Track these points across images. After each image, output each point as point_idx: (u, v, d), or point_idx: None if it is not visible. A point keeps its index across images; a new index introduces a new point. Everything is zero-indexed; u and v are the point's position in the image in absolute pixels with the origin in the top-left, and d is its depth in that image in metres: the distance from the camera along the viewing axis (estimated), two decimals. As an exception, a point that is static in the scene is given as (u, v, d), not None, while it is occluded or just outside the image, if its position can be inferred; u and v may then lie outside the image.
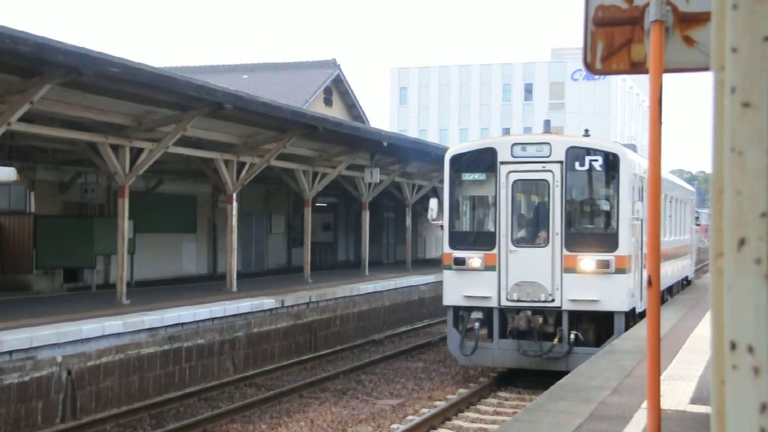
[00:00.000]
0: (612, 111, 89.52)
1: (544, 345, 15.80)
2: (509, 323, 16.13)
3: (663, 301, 20.27)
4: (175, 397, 15.95)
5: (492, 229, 16.24)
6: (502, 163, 16.10)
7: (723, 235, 1.54)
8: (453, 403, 15.01)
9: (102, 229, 23.05)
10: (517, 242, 16.05)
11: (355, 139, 26.02)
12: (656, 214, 5.16)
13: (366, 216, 30.77)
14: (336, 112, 42.57)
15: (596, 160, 15.67)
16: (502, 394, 16.28)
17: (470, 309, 16.36)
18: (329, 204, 39.01)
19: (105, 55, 15.69)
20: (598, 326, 15.88)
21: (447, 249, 16.46)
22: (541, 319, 15.75)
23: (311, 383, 17.38)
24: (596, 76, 74.47)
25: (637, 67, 5.42)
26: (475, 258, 16.10)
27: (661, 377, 5.79)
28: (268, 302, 20.45)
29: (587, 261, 15.46)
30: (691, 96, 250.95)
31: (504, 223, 16.04)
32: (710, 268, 1.62)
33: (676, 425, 7.75)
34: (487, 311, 16.27)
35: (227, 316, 18.80)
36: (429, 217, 17.17)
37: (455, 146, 17.76)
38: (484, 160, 16.42)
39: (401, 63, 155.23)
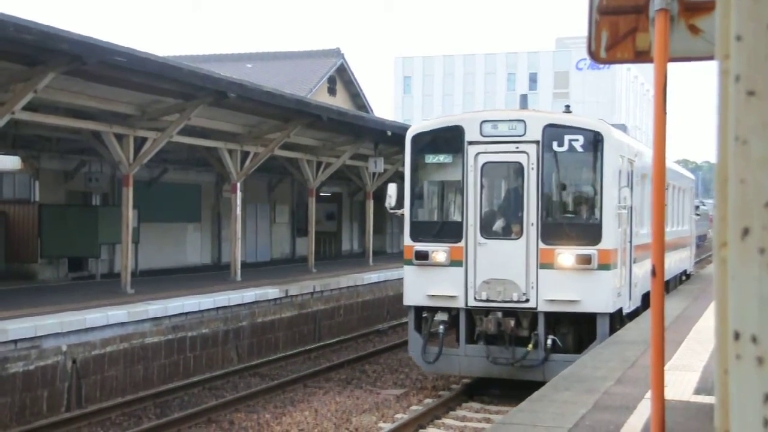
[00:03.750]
0: (616, 100, 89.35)
1: (517, 351, 13.96)
2: (478, 326, 14.24)
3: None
4: (180, 386, 15.99)
5: (458, 219, 14.37)
6: (470, 143, 14.19)
7: (727, 225, 1.53)
8: (456, 392, 15.02)
9: (106, 219, 23.07)
10: (487, 234, 14.19)
11: (359, 129, 26.00)
12: (660, 203, 5.14)
13: (370, 206, 30.77)
14: (340, 101, 42.52)
15: (577, 140, 13.78)
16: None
17: (434, 310, 14.44)
18: (333, 194, 39.01)
19: (109, 43, 15.68)
20: (578, 330, 14.04)
21: (408, 241, 14.56)
22: (513, 322, 13.88)
23: (315, 373, 17.41)
24: (601, 66, 74.19)
25: (641, 56, 5.40)
26: (439, 252, 14.22)
27: (665, 367, 5.79)
28: (272, 292, 20.48)
29: (566, 255, 13.60)
30: (696, 85, 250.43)
31: (472, 212, 14.19)
32: (714, 258, 1.61)
33: (679, 415, 7.75)
34: (454, 312, 14.43)
35: (231, 306, 18.83)
36: (387, 205, 14.88)
37: (417, 124, 15.74)
38: (449, 139, 14.49)
39: (405, 52, 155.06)
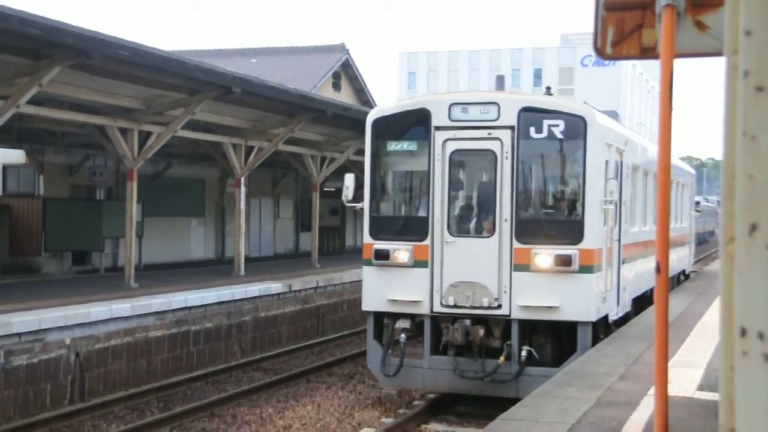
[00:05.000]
0: (622, 97, 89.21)
1: (488, 364, 12.45)
2: (444, 335, 12.77)
3: (650, 303, 18.55)
4: (183, 380, 16.01)
5: (424, 214, 12.82)
6: (438, 128, 12.70)
7: (734, 221, 1.53)
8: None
9: (110, 213, 23.10)
10: (456, 231, 12.74)
11: (363, 124, 25.92)
12: (665, 199, 5.13)
13: (374, 201, 30.69)
14: (344, 96, 42.50)
15: (557, 125, 12.25)
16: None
17: (396, 316, 12.94)
18: (337, 189, 38.98)
19: (114, 38, 15.68)
20: (557, 340, 12.61)
21: (367, 239, 13.03)
22: (482, 331, 12.38)
23: (318, 367, 17.42)
24: (606, 62, 74.15)
25: (647, 53, 5.39)
26: (401, 251, 12.72)
27: (669, 364, 5.78)
28: (275, 286, 20.49)
29: (544, 256, 12.13)
30: (701, 82, 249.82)
31: (438, 207, 12.67)
32: (720, 254, 1.60)
33: (683, 412, 7.74)
34: (418, 319, 13.02)
35: (235, 300, 18.84)
36: (343, 197, 13.28)
37: (379, 106, 14.00)
38: (414, 124, 13.04)
39: (410, 48, 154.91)
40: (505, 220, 12.44)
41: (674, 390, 8.28)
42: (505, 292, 12.35)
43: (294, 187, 36.07)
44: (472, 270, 12.45)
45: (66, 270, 24.08)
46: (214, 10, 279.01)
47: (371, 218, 13.10)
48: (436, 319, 12.78)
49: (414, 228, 12.86)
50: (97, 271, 23.88)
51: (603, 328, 13.28)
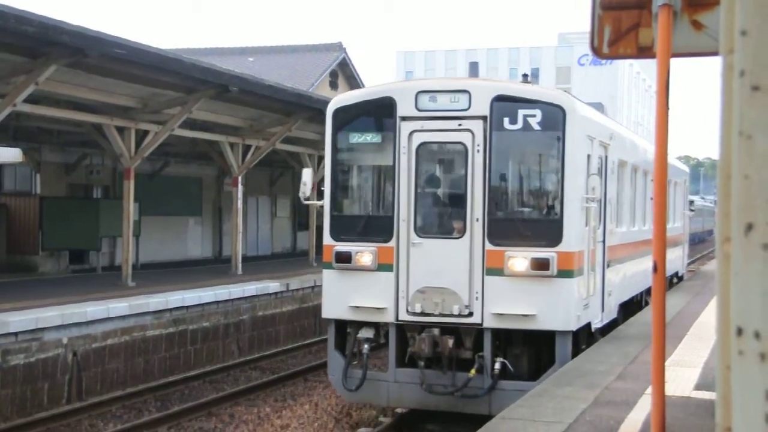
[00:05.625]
0: (619, 96, 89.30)
1: (458, 377, 11.41)
2: (410, 346, 11.70)
3: (639, 308, 16.93)
4: (180, 379, 16.01)
5: (389, 213, 11.76)
6: (404, 118, 11.63)
7: (730, 220, 1.53)
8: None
9: (107, 211, 23.09)
10: (423, 231, 11.65)
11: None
12: (662, 198, 5.14)
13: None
14: (342, 95, 42.43)
15: (533, 116, 11.21)
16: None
17: (359, 325, 11.94)
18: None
19: (110, 36, 15.67)
20: (534, 351, 11.56)
21: (327, 240, 11.95)
22: (452, 341, 11.33)
23: (316, 367, 17.42)
24: (603, 61, 74.28)
25: (644, 52, 5.39)
26: (364, 253, 11.64)
27: (666, 363, 5.79)
28: (273, 286, 20.49)
29: (518, 259, 11.10)
30: (698, 81, 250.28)
31: (404, 205, 11.60)
32: (717, 254, 1.61)
33: (680, 411, 7.75)
34: (383, 328, 11.95)
35: (232, 300, 18.84)
36: (301, 194, 12.22)
37: (341, 95, 12.82)
38: (378, 114, 12.01)
39: (407, 47, 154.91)
40: (477, 220, 11.37)
41: (671, 389, 8.30)
42: (476, 298, 11.29)
43: (291, 186, 36.04)
44: (440, 274, 11.40)
45: (63, 269, 24.06)
46: (212, 9, 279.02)
47: (332, 217, 12.03)
48: (402, 328, 11.71)
49: (378, 228, 11.79)
50: (94, 270, 23.86)
51: (585, 338, 12.32)
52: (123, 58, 15.94)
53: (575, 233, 11.34)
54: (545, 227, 11.49)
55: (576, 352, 11.51)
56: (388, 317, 11.63)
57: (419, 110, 11.61)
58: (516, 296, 11.12)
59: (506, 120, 11.31)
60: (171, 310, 16.86)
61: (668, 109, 5.03)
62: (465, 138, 11.47)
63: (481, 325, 11.30)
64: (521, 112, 11.27)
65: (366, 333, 11.85)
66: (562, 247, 11.13)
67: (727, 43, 1.56)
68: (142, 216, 24.44)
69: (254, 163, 24.00)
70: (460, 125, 11.47)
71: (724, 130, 1.57)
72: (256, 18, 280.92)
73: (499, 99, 11.37)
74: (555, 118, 11.27)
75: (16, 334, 13.20)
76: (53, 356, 13.72)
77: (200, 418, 13.67)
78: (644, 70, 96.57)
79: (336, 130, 12.17)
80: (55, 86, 16.52)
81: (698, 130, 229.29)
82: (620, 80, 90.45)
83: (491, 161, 11.39)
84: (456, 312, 11.32)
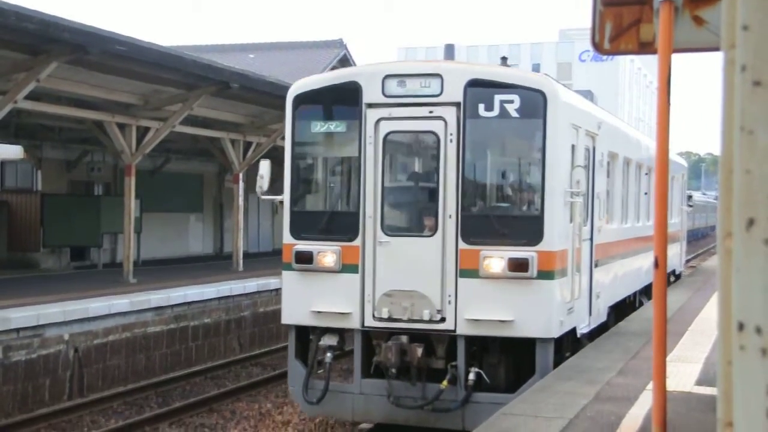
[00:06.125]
0: (620, 92, 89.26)
1: (429, 389, 10.40)
2: (377, 355, 10.66)
3: (632, 309, 16.07)
4: (182, 375, 16.02)
5: (353, 209, 10.75)
6: (370, 105, 10.62)
7: (732, 215, 1.53)
8: None
9: (109, 208, 23.10)
10: (391, 229, 10.67)
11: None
12: (663, 194, 5.14)
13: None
14: (343, 91, 42.41)
15: (510, 101, 10.20)
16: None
17: (321, 331, 10.93)
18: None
19: (111, 33, 15.67)
20: (513, 360, 10.55)
21: (287, 238, 10.99)
22: (421, 350, 10.29)
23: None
24: (604, 57, 74.21)
25: (645, 48, 5.39)
26: (327, 253, 10.67)
27: (667, 359, 5.79)
28: (274, 282, 20.47)
29: (495, 260, 10.11)
30: (699, 77, 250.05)
31: (371, 200, 10.60)
32: (718, 249, 1.61)
33: (681, 406, 7.76)
34: (348, 335, 11.09)
35: (234, 296, 18.85)
36: (258, 188, 11.24)
37: (302, 80, 11.61)
38: (343, 101, 11.00)
39: (408, 43, 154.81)
40: (450, 216, 10.37)
41: (673, 385, 8.30)
42: (449, 302, 10.29)
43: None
44: (410, 276, 10.40)
45: (64, 266, 24.07)
46: (213, 6, 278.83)
47: (292, 214, 11.04)
48: (368, 335, 10.72)
49: (342, 225, 10.79)
50: (96, 267, 23.88)
51: (569, 344, 11.32)
52: (124, 55, 15.93)
53: (557, 231, 10.33)
54: (524, 224, 10.46)
55: (559, 360, 10.55)
56: (353, 323, 10.64)
57: (387, 96, 10.60)
58: (492, 300, 10.14)
59: (481, 106, 10.30)
60: (172, 306, 16.87)
61: (669, 104, 5.03)
62: (437, 126, 10.47)
63: (454, 331, 10.28)
64: (498, 98, 10.24)
65: (329, 340, 10.88)
66: (542, 245, 10.13)
67: (728, 38, 1.56)
68: (143, 213, 24.44)
69: (255, 159, 23.99)
70: (431, 112, 10.45)
71: (726, 126, 1.57)
72: (256, 15, 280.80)
73: (474, 84, 10.32)
74: (535, 104, 10.25)
75: (17, 330, 13.22)
76: (55, 352, 13.74)
77: (201, 414, 13.68)
78: (645, 65, 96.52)
79: (296, 118, 11.16)
80: (56, 83, 16.52)
81: (699, 125, 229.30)
82: (621, 76, 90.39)
83: (465, 152, 10.39)
84: (426, 317, 10.32)
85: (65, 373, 13.93)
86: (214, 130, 22.48)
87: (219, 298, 18.36)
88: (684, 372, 9.54)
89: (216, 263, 25.85)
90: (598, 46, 5.51)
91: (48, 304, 14.57)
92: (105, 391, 14.43)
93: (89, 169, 24.70)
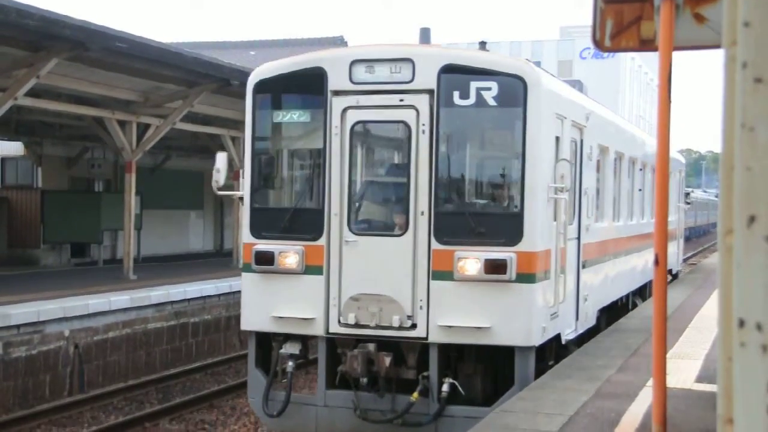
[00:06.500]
0: (620, 90, 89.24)
1: (398, 401, 9.59)
2: (342, 363, 9.74)
3: (626, 311, 15.36)
4: (182, 371, 16.04)
5: (318, 206, 9.86)
6: (336, 93, 9.78)
7: (733, 212, 1.53)
8: None
9: (109, 205, 23.12)
10: (358, 227, 9.80)
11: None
12: (664, 192, 5.14)
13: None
14: (343, 88, 42.45)
15: (488, 89, 9.40)
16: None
17: (284, 338, 10.12)
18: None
19: (112, 30, 15.67)
20: (490, 370, 9.73)
21: (247, 237, 10.24)
22: (389, 359, 9.48)
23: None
24: (605, 55, 74.23)
25: (646, 45, 5.39)
26: (289, 253, 9.82)
27: (667, 356, 5.80)
28: (274, 278, 20.51)
29: (470, 261, 9.30)
30: (700, 74, 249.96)
31: (337, 196, 9.73)
32: (719, 246, 1.61)
33: (681, 403, 7.76)
34: (311, 342, 10.31)
35: (233, 292, 18.84)
36: (214, 183, 10.48)
37: (264, 66, 10.56)
38: (307, 88, 10.18)
39: (408, 41, 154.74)
40: (422, 214, 9.52)
41: (672, 381, 8.30)
42: (421, 307, 9.45)
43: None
44: (378, 278, 9.56)
45: (65, 262, 24.08)
46: (214, 3, 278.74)
47: (251, 211, 10.26)
48: (333, 343, 9.86)
49: (305, 223, 9.90)
50: (96, 264, 23.89)
51: (553, 352, 10.51)
52: (124, 52, 15.93)
53: (539, 229, 9.51)
54: (502, 222, 9.63)
55: (542, 369, 9.73)
56: (317, 329, 9.78)
57: (354, 83, 9.73)
58: (468, 305, 9.33)
59: (456, 94, 9.48)
60: (172, 303, 16.88)
61: (670, 102, 5.03)
62: (408, 116, 9.61)
63: (426, 339, 9.44)
64: (474, 85, 9.42)
65: (291, 348, 10.06)
66: (522, 245, 9.29)
67: (729, 35, 1.56)
68: (143, 209, 24.46)
69: (255, 156, 24.01)
70: (401, 101, 9.59)
71: (727, 123, 1.57)
72: (257, 12, 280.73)
73: (449, 69, 9.50)
74: (514, 91, 9.43)
75: (18, 326, 13.23)
76: (55, 348, 13.75)
77: (202, 410, 13.69)
78: (646, 63, 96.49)
79: (257, 107, 10.28)
80: (56, 80, 16.52)
81: (700, 123, 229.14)
82: (622, 74, 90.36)
83: (439, 143, 9.55)
84: (396, 324, 9.46)
85: (65, 369, 13.95)
86: (215, 126, 22.48)
87: (219, 295, 18.37)
88: (684, 369, 9.55)
89: (216, 260, 25.86)
90: (599, 44, 5.51)
91: (48, 301, 14.59)
92: (105, 387, 14.45)
93: (89, 165, 24.71)
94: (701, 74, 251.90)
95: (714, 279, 19.34)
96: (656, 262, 5.20)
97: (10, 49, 15.14)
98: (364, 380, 9.54)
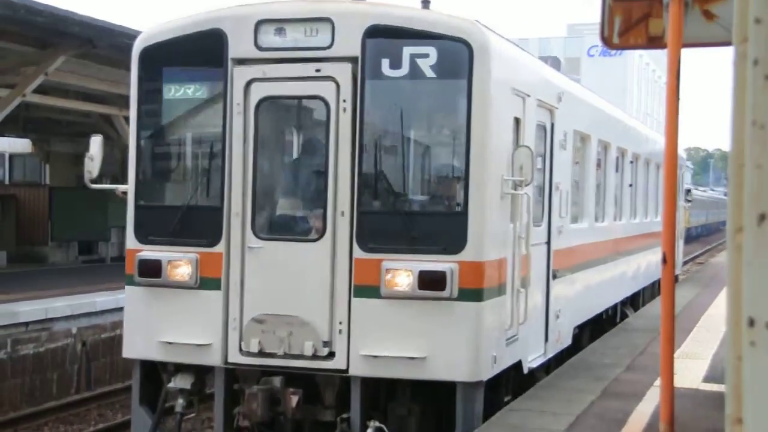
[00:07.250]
0: (628, 88, 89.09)
1: None
2: (241, 403, 7.90)
3: (613, 325, 13.47)
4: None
5: (216, 204, 7.96)
6: (238, 62, 7.94)
7: (742, 211, 1.51)
8: None
9: (117, 202, 23.12)
10: (265, 231, 7.98)
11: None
12: (672, 189, 5.12)
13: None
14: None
15: (425, 56, 7.52)
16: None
17: (174, 368, 8.21)
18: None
19: (120, 26, 15.68)
20: (428, 410, 7.83)
21: (131, 242, 8.20)
22: (297, 398, 7.64)
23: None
24: (613, 52, 74.14)
25: (654, 42, 5.37)
26: (180, 263, 7.95)
27: (674, 355, 5.78)
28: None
29: (402, 273, 7.45)
30: (709, 72, 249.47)
31: (238, 191, 7.88)
32: (728, 244, 1.59)
33: (688, 403, 7.75)
34: (204, 374, 8.33)
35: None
36: (86, 174, 8.42)
37: (153, 28, 8.62)
38: (203, 56, 8.24)
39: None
40: (342, 214, 7.66)
41: (680, 381, 8.28)
42: (340, 331, 7.60)
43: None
44: (288, 295, 7.71)
45: (72, 259, 24.13)
46: (226, 2, 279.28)
47: (136, 209, 8.27)
48: (233, 375, 8.03)
49: (201, 226, 8.01)
50: (104, 261, 23.93)
51: (510, 385, 8.56)
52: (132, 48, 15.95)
53: (489, 233, 7.62)
54: (441, 225, 7.75)
55: (496, 407, 7.94)
56: (213, 358, 7.89)
57: (261, 49, 7.87)
58: (398, 329, 7.48)
59: (386, 63, 7.61)
60: (180, 300, 16.90)
61: (678, 100, 5.01)
62: (326, 90, 7.72)
63: (346, 371, 7.59)
64: (408, 51, 7.53)
65: (181, 382, 8.18)
66: (466, 254, 7.40)
67: (740, 31, 1.54)
68: (151, 207, 24.47)
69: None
70: (318, 71, 7.71)
71: (737, 120, 1.55)
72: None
73: (376, 32, 7.61)
74: (458, 58, 7.52)
75: (26, 324, 13.26)
76: (62, 346, 13.77)
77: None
78: (654, 61, 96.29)
79: (142, 79, 8.35)
80: (64, 77, 16.54)
81: (708, 121, 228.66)
82: (630, 71, 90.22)
83: (364, 125, 7.65)
84: (309, 352, 7.61)
85: (73, 366, 13.97)
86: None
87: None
88: (692, 368, 9.53)
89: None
90: (607, 41, 5.49)
91: (56, 298, 14.61)
92: (113, 385, 14.46)
93: (97, 162, 24.75)
94: (709, 71, 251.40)
95: (722, 278, 19.28)
96: (664, 260, 5.19)
97: (19, 46, 15.18)
98: (284, 421, 7.74)
